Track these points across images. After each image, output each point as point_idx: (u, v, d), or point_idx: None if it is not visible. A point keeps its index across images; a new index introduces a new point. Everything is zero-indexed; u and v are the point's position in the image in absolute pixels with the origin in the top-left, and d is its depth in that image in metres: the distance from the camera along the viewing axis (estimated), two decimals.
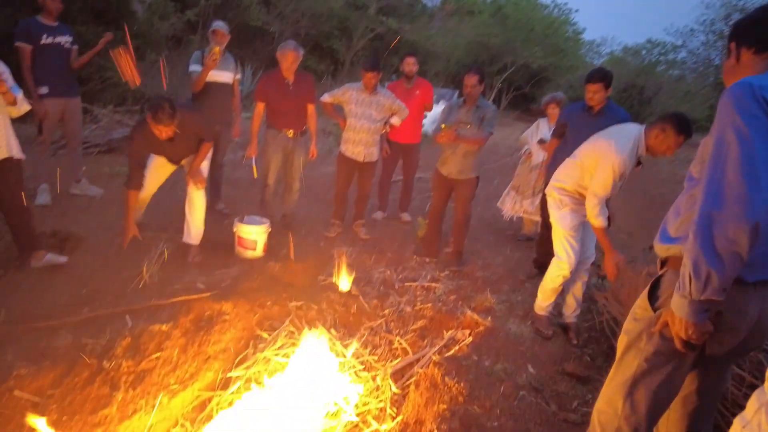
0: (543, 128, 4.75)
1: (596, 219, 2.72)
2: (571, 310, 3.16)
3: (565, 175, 3.00)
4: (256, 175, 4.30)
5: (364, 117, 4.23)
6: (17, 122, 3.16)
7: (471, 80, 3.77)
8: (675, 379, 1.49)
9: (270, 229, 3.86)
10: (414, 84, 4.84)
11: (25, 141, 3.87)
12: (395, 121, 4.42)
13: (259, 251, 3.80)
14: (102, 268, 3.30)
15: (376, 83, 4.19)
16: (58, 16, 4.11)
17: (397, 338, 2.99)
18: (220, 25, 4.17)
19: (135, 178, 3.36)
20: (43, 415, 2.01)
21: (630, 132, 2.72)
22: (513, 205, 4.96)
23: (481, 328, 3.04)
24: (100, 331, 2.60)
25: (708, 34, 20.71)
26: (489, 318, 3.15)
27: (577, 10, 23.58)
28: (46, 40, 3.99)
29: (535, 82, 19.32)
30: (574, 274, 3.07)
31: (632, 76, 19.86)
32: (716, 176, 1.23)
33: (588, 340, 3.13)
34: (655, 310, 1.45)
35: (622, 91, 18.42)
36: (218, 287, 3.26)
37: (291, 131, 4.11)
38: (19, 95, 2.97)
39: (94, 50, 4.42)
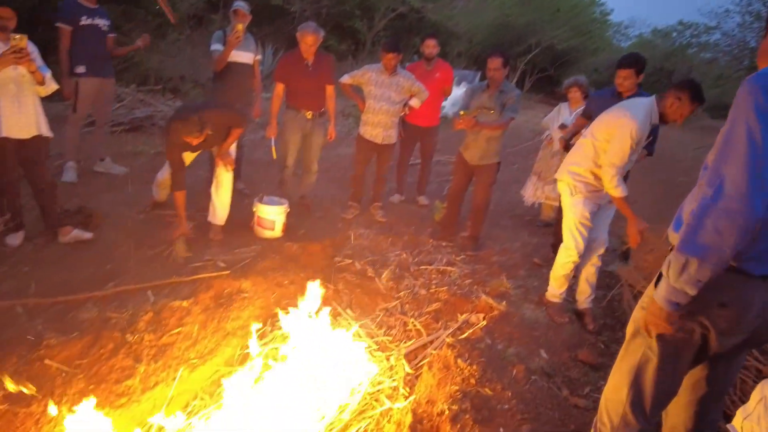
0: (564, 113, 4.67)
1: (615, 189, 2.72)
2: (585, 295, 3.16)
3: (579, 155, 2.96)
4: (275, 156, 4.34)
5: (383, 99, 4.21)
6: (45, 101, 3.23)
7: (494, 63, 3.70)
8: (679, 368, 1.49)
9: (288, 210, 3.91)
10: (434, 66, 4.78)
11: (53, 119, 3.96)
12: (414, 102, 4.39)
13: (277, 231, 3.85)
14: (125, 245, 3.39)
15: (396, 64, 4.16)
16: None
17: (412, 320, 3.03)
18: (241, 4, 4.16)
19: (179, 180, 3.43)
20: (71, 383, 2.11)
21: (641, 102, 2.74)
22: (534, 191, 4.90)
23: (496, 312, 3.05)
24: (124, 306, 2.69)
25: (744, 15, 19.76)
26: (504, 302, 3.15)
27: None
28: (85, 21, 4.13)
29: (559, 64, 18.89)
30: (585, 258, 3.07)
31: (661, 59, 19.29)
32: (720, 170, 1.23)
33: (603, 327, 3.12)
34: None
35: (650, 74, 17.92)
36: (238, 266, 3.33)
37: (310, 112, 4.12)
38: (47, 75, 3.04)
39: (131, 48, 4.68)
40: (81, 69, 4.17)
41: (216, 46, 4.11)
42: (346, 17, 13.57)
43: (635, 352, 1.52)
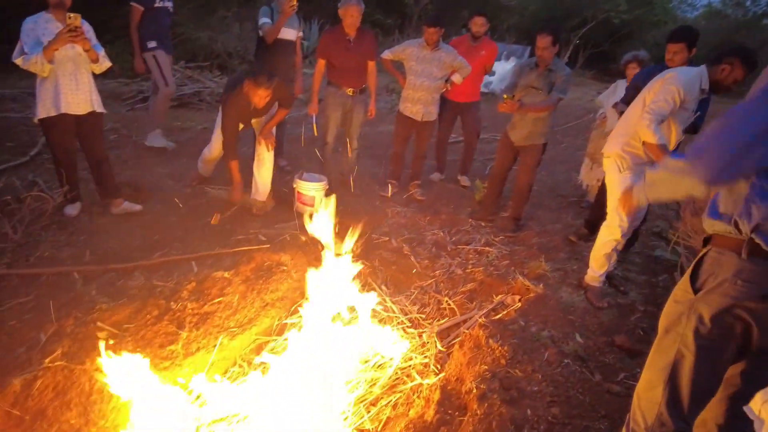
0: (621, 90, 4.40)
1: (652, 136, 2.58)
2: (613, 259, 3.06)
3: (626, 123, 2.87)
4: (316, 133, 4.38)
5: (424, 75, 4.15)
6: (99, 78, 3.38)
7: (543, 41, 3.54)
8: (718, 366, 1.42)
9: (327, 187, 3.96)
10: (480, 43, 4.64)
11: (108, 96, 4.15)
12: (457, 78, 4.29)
13: (316, 207, 3.92)
14: (171, 217, 3.55)
15: (437, 39, 4.07)
16: None
17: (446, 299, 3.04)
18: None
19: (232, 150, 3.57)
20: (119, 346, 2.25)
21: (689, 68, 2.67)
22: (587, 173, 4.71)
23: (532, 294, 3.01)
24: (169, 275, 2.84)
25: None
26: (541, 285, 3.09)
27: None
28: (159, 3, 4.43)
29: (616, 38, 17.86)
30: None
31: (730, 31, 17.86)
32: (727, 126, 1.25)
33: (644, 314, 3.01)
34: (695, 292, 1.37)
35: (716, 48, 16.65)
36: (277, 240, 3.42)
37: (350, 89, 4.11)
38: (101, 53, 3.17)
39: None
40: (153, 44, 4.44)
41: (264, 20, 4.11)
42: None
43: (669, 349, 1.44)
